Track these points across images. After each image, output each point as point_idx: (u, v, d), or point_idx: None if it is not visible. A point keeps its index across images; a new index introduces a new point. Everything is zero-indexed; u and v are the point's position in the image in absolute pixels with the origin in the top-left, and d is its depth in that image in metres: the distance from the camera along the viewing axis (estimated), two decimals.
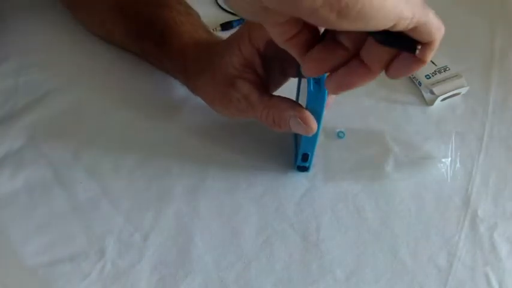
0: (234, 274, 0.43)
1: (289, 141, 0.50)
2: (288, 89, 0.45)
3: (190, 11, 0.51)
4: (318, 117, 0.39)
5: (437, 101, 0.55)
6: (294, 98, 0.43)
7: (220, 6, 0.62)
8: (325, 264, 0.44)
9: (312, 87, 0.36)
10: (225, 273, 0.43)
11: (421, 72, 0.56)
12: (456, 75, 0.56)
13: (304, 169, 0.48)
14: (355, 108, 0.54)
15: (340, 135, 0.52)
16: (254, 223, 0.45)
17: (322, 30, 0.30)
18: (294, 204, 0.47)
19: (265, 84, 0.42)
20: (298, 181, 0.48)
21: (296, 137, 0.48)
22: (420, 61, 0.28)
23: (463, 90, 0.56)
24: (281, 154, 0.50)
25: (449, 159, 0.51)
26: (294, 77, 0.44)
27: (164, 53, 0.48)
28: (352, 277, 0.43)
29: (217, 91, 0.43)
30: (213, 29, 0.59)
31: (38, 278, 0.41)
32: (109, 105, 0.52)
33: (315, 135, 0.41)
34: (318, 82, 0.36)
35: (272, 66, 0.42)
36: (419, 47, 0.27)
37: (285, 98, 0.41)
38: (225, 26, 0.60)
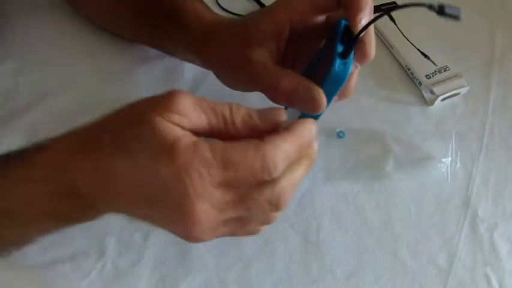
0: (234, 274, 0.43)
1: None
2: None
3: None
4: (330, 99, 0.38)
5: (437, 101, 0.55)
6: None
7: (221, 7, 0.62)
8: (325, 264, 0.44)
9: (336, 67, 0.36)
10: (225, 273, 0.43)
11: (421, 72, 0.56)
12: (456, 75, 0.56)
13: None
14: (355, 108, 0.54)
15: (340, 135, 0.52)
16: None
17: None
18: (294, 204, 0.47)
19: (282, 59, 0.41)
20: None
21: None
22: None
23: (463, 90, 0.56)
24: None
25: (450, 159, 0.51)
26: (313, 57, 0.43)
27: (178, 26, 0.46)
28: (352, 277, 0.43)
29: (233, 53, 0.41)
30: None
31: (38, 278, 0.41)
32: (109, 104, 0.51)
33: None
34: (344, 63, 0.36)
35: (296, 42, 0.41)
36: None
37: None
38: None
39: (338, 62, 0.36)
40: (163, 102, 0.28)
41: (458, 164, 0.51)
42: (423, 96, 0.56)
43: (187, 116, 0.28)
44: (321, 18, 0.40)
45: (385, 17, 0.62)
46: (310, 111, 0.37)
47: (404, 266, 0.44)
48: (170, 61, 0.55)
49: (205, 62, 0.47)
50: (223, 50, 0.42)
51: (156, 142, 0.27)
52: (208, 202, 0.27)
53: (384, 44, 0.61)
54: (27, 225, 0.33)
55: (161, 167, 0.27)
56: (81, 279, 0.41)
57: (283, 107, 0.36)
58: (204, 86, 0.54)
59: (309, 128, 0.32)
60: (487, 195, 0.49)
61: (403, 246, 0.45)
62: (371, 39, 0.38)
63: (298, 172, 0.31)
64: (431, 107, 0.56)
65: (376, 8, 0.63)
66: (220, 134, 0.30)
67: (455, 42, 0.61)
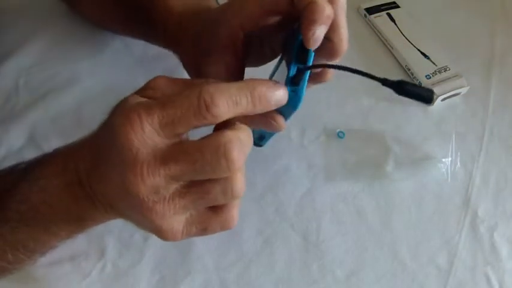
0: (234, 274, 0.43)
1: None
2: None
3: None
4: (286, 117, 0.36)
5: (438, 101, 0.55)
6: None
7: None
8: (325, 264, 0.44)
9: (291, 73, 0.33)
10: (225, 273, 0.43)
11: (421, 72, 0.56)
12: (456, 75, 0.56)
13: (258, 145, 0.47)
14: (355, 108, 0.54)
15: (340, 135, 0.52)
16: (254, 223, 0.45)
17: None
18: (294, 204, 0.47)
19: (241, 65, 0.39)
20: (298, 181, 0.48)
21: None
22: None
23: (463, 90, 0.56)
24: (281, 153, 0.50)
25: (450, 159, 0.51)
26: (275, 57, 0.41)
27: (153, 18, 0.45)
28: (352, 277, 0.43)
29: (192, 62, 0.41)
30: None
31: (39, 278, 0.41)
32: (109, 105, 0.51)
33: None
34: (294, 90, 0.32)
35: (254, 44, 0.39)
36: None
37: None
38: None
39: (287, 90, 0.31)
40: (144, 85, 0.30)
41: (458, 164, 0.51)
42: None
43: (159, 89, 0.29)
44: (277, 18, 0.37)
45: (385, 17, 0.62)
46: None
47: (404, 266, 0.44)
48: (170, 61, 0.55)
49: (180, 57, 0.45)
50: (187, 58, 0.42)
51: (116, 112, 0.28)
52: (149, 150, 0.26)
53: (384, 44, 0.61)
54: (49, 228, 0.34)
55: (110, 120, 0.28)
56: (81, 279, 0.41)
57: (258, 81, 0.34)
58: None
59: (268, 84, 0.29)
60: (487, 195, 0.49)
61: (403, 246, 0.45)
62: (341, 37, 0.34)
63: (245, 133, 0.29)
64: (431, 107, 0.56)
65: (376, 8, 0.64)
66: None
67: (455, 42, 0.61)
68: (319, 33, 0.31)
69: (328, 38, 0.33)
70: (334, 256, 0.44)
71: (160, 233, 0.29)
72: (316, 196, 0.47)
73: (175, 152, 0.27)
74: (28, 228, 0.34)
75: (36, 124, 0.50)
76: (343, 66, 0.32)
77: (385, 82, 0.30)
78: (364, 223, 0.46)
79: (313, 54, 0.33)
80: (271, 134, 0.44)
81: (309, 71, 0.32)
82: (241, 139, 0.28)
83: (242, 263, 0.43)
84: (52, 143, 0.48)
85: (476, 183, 0.50)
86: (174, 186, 0.28)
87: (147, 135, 0.26)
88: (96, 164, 0.30)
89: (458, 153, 0.52)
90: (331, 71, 0.35)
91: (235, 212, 0.32)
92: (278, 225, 0.45)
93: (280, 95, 0.30)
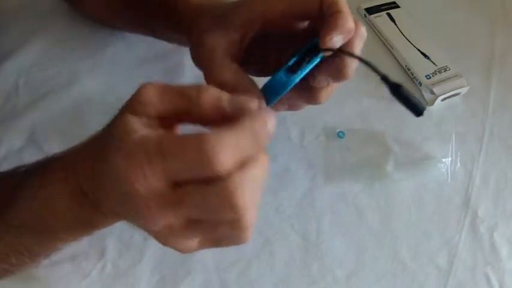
0: (234, 274, 0.43)
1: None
2: None
3: None
4: (269, 102, 0.35)
5: (437, 101, 0.55)
6: None
7: None
8: (325, 264, 0.44)
9: (277, 77, 0.34)
10: (225, 273, 0.43)
11: (421, 72, 0.56)
12: (456, 75, 0.56)
13: None
14: (355, 108, 0.54)
15: (340, 135, 0.52)
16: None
17: None
18: (294, 204, 0.47)
19: (245, 56, 0.39)
20: (298, 181, 0.48)
21: None
22: None
23: (463, 90, 0.56)
24: (281, 153, 0.50)
25: (450, 159, 0.51)
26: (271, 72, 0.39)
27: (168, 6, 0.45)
28: (352, 277, 0.43)
29: (198, 33, 0.39)
30: None
31: (39, 278, 0.41)
32: (109, 105, 0.51)
33: None
34: (287, 76, 0.34)
35: (262, 46, 0.39)
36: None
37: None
38: None
39: (281, 73, 0.34)
40: (133, 96, 0.28)
41: (458, 164, 0.51)
42: (423, 96, 0.56)
43: (151, 104, 0.28)
44: (301, 25, 0.38)
45: (385, 17, 0.62)
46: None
47: (404, 266, 0.44)
48: (170, 61, 0.55)
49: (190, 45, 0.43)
50: (197, 31, 0.40)
51: (112, 136, 0.28)
52: (154, 195, 0.26)
53: (384, 44, 0.61)
54: (54, 234, 0.34)
55: (112, 159, 0.27)
56: (81, 279, 0.41)
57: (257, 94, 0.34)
58: None
59: (265, 119, 0.27)
60: (487, 195, 0.49)
61: (403, 246, 0.45)
62: (349, 61, 0.35)
63: (257, 170, 0.27)
64: (431, 107, 0.56)
65: (376, 8, 0.64)
66: (187, 117, 0.29)
67: (455, 42, 0.61)
68: (336, 40, 0.32)
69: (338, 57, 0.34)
70: (334, 256, 0.44)
71: (175, 249, 0.30)
72: (316, 196, 0.47)
73: (179, 197, 0.26)
74: (32, 233, 0.34)
75: (36, 124, 0.50)
76: (352, 54, 0.33)
77: (384, 78, 0.31)
78: (364, 223, 0.46)
79: (318, 60, 0.34)
80: None
81: (310, 65, 0.33)
82: (254, 177, 0.27)
83: (242, 263, 0.43)
84: (52, 143, 0.49)
85: (476, 183, 0.50)
86: (184, 222, 0.28)
87: (150, 183, 0.26)
88: (98, 185, 0.30)
89: (458, 153, 0.52)
90: (349, 65, 0.35)
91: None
92: (278, 225, 0.45)
93: (273, 123, 0.28)
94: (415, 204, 0.48)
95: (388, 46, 0.60)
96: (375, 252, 0.45)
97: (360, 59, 0.33)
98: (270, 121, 0.28)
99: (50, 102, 0.51)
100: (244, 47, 0.38)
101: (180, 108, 0.28)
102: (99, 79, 0.54)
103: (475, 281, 0.44)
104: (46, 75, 0.53)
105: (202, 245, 0.30)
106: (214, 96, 0.28)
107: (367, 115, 0.54)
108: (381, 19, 0.62)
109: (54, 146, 0.48)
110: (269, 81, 0.34)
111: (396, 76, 0.58)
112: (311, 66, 0.34)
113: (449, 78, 0.56)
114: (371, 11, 0.63)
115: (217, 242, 0.30)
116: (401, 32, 0.60)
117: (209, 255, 0.43)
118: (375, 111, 0.54)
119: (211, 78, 0.36)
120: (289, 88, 0.34)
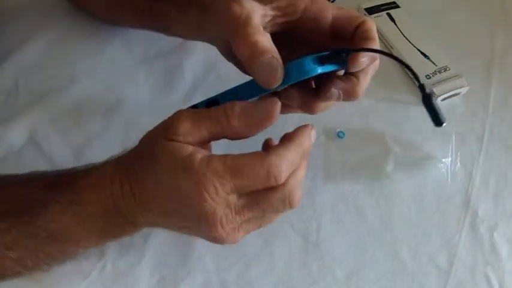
0: (234, 274, 0.43)
1: None
2: None
3: None
4: (284, 82, 0.35)
5: (438, 101, 0.55)
6: None
7: None
8: (325, 265, 0.44)
9: (304, 60, 0.34)
10: (225, 273, 0.43)
11: (421, 72, 0.56)
12: (456, 75, 0.56)
13: None
14: (355, 108, 0.54)
15: (340, 135, 0.52)
16: None
17: None
18: None
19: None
20: None
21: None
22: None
23: (463, 90, 0.56)
24: None
25: (450, 159, 0.51)
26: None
27: None
28: (352, 277, 0.43)
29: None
30: None
31: (39, 278, 0.41)
32: (109, 105, 0.52)
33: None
34: (312, 63, 0.34)
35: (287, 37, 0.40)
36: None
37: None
38: None
39: (309, 59, 0.34)
40: (167, 127, 0.33)
41: (458, 164, 0.51)
42: None
43: (189, 134, 0.33)
44: (322, 37, 0.39)
45: (385, 17, 0.62)
46: (259, 80, 0.35)
47: (404, 266, 0.44)
48: (170, 61, 0.55)
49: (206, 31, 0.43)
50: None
51: (171, 161, 0.32)
52: (225, 207, 0.32)
53: (384, 44, 0.61)
54: (79, 242, 0.37)
55: (180, 182, 0.31)
56: (81, 279, 0.41)
57: (275, 98, 0.35)
58: (203, 86, 0.54)
59: (310, 135, 0.35)
60: (487, 195, 0.49)
61: (403, 246, 0.45)
62: (362, 82, 0.38)
63: (301, 172, 0.35)
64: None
65: (376, 8, 0.64)
66: (222, 136, 0.34)
67: (455, 42, 0.61)
68: (363, 62, 0.36)
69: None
70: (334, 256, 0.44)
71: (220, 243, 0.34)
72: (316, 196, 0.47)
73: (247, 204, 0.33)
74: (56, 242, 0.36)
75: (36, 124, 0.49)
76: (389, 53, 0.36)
77: (421, 87, 0.35)
78: (364, 223, 0.46)
79: (335, 67, 0.36)
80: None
81: (336, 66, 0.36)
82: (301, 178, 0.35)
83: (242, 263, 0.43)
84: (52, 143, 0.49)
85: (476, 183, 0.50)
86: (246, 222, 0.34)
87: (221, 199, 0.31)
88: (153, 207, 0.34)
89: (458, 153, 0.52)
90: (363, 84, 0.38)
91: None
92: (278, 225, 0.45)
93: (314, 135, 0.36)
94: (415, 204, 0.48)
95: (388, 46, 0.60)
96: (375, 252, 0.45)
97: (406, 65, 0.36)
98: (313, 135, 0.35)
99: (50, 102, 0.51)
100: (271, 30, 0.38)
101: (213, 133, 0.33)
102: (99, 79, 0.54)
103: (475, 281, 0.44)
104: (46, 75, 0.53)
105: (247, 233, 0.35)
106: (241, 112, 0.33)
107: (367, 115, 0.54)
108: (380, 19, 0.62)
109: (54, 146, 0.49)
110: (294, 62, 0.34)
111: (396, 76, 0.58)
112: (336, 67, 0.36)
113: (449, 78, 0.56)
114: (371, 11, 0.63)
115: (260, 227, 0.36)
116: (401, 32, 0.60)
117: (209, 255, 0.43)
118: (374, 111, 0.54)
119: (246, 40, 0.35)
120: (310, 75, 0.35)
